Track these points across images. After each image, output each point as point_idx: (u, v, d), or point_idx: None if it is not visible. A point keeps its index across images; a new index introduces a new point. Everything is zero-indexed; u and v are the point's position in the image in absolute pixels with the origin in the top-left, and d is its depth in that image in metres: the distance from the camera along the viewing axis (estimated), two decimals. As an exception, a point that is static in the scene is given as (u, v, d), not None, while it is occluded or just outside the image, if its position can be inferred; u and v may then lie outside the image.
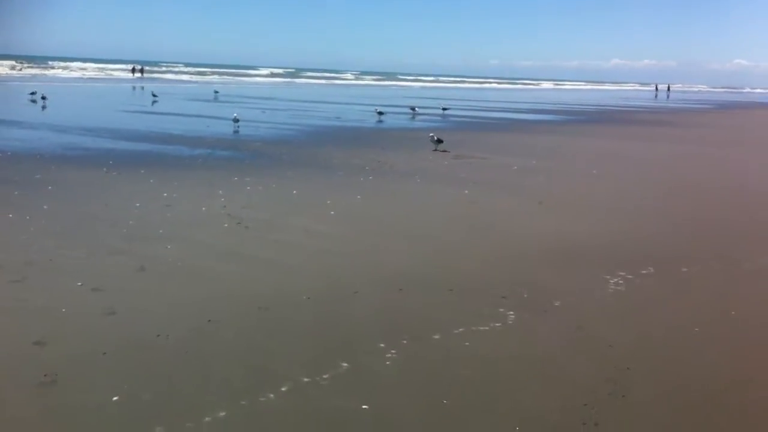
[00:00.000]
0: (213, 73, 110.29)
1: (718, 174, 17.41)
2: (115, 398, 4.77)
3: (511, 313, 6.66)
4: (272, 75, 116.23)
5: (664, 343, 6.14)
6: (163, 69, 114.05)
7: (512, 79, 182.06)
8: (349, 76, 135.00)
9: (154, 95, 41.68)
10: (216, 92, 48.68)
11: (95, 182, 12.99)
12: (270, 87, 75.08)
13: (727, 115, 50.77)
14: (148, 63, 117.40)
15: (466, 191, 13.25)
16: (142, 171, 14.28)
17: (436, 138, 20.01)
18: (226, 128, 24.49)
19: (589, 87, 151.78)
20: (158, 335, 5.85)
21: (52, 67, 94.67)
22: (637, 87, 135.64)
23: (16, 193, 11.66)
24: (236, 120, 24.86)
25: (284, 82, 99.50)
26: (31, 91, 35.20)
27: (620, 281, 7.82)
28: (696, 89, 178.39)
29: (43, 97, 33.60)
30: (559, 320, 6.56)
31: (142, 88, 56.62)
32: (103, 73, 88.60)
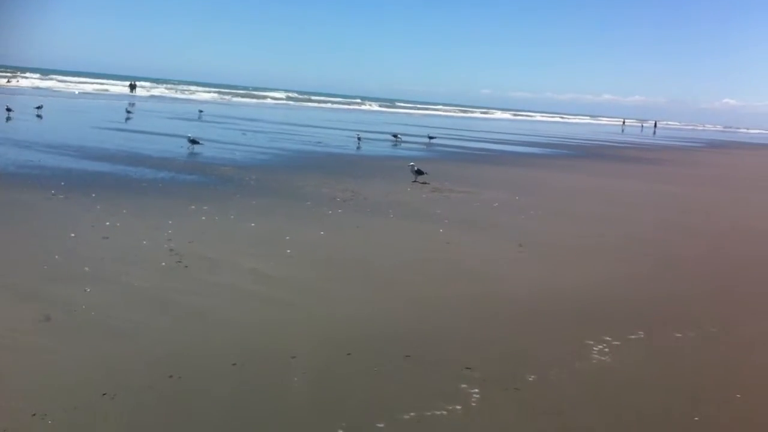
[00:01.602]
0: (216, 92, 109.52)
1: (714, 216, 16.39)
2: None
3: (476, 391, 5.54)
4: (276, 99, 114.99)
5: (657, 438, 5.05)
6: (169, 86, 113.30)
7: (504, 109, 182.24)
8: (339, 100, 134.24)
9: (128, 111, 40.49)
10: (200, 111, 47.65)
11: (36, 206, 11.83)
12: (265, 109, 74.08)
13: (717, 154, 50.13)
14: (168, 81, 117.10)
15: (441, 230, 12.17)
16: (93, 195, 13.14)
17: (416, 168, 18.97)
18: (200, 149, 23.38)
19: (578, 120, 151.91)
20: (33, 414, 4.70)
21: (50, 79, 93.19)
22: (626, 122, 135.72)
23: (-61, 217, 10.47)
24: (192, 141, 23.63)
25: (282, 104, 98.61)
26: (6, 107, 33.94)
27: (605, 348, 6.73)
28: (690, 127, 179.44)
29: (8, 109, 32.41)
30: (533, 402, 5.45)
31: (133, 104, 55.57)
32: (93, 88, 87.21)
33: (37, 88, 75.73)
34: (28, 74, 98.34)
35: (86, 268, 8.20)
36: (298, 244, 10.32)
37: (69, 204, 12.23)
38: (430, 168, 19.90)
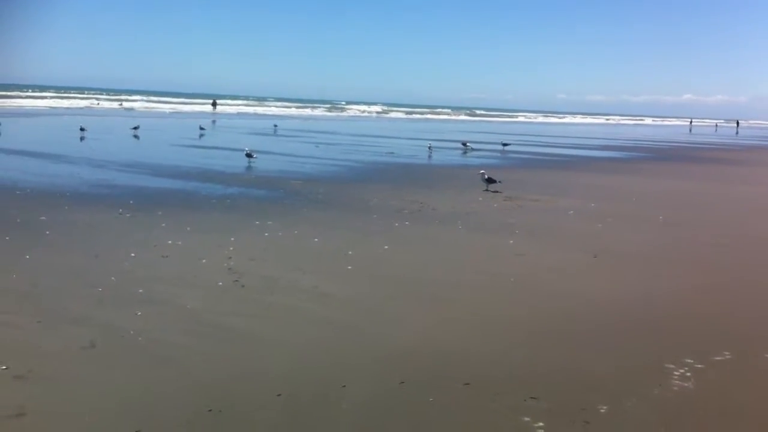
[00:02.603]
0: (294, 107, 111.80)
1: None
2: None
3: (541, 425, 4.99)
4: (353, 111, 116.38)
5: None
6: (249, 102, 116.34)
7: (580, 113, 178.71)
8: (424, 110, 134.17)
9: (201, 128, 41.08)
10: (275, 126, 48.13)
11: (101, 226, 11.83)
12: (339, 122, 74.26)
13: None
14: (247, 97, 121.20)
15: (512, 241, 11.60)
16: (160, 213, 13.10)
17: (486, 176, 18.37)
18: (273, 164, 23.38)
19: (658, 122, 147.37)
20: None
21: (149, 101, 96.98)
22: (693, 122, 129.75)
23: (6, 238, 10.52)
24: (249, 155, 23.57)
25: (357, 116, 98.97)
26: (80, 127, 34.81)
27: (688, 372, 6.07)
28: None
29: (82, 129, 33.30)
30: (605, 438, 4.87)
31: (214, 122, 56.82)
32: (175, 108, 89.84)
33: (131, 109, 78.18)
34: (135, 96, 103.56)
35: (140, 290, 8.01)
36: (361, 259, 9.95)
37: (134, 223, 12.19)
38: (503, 176, 19.26)
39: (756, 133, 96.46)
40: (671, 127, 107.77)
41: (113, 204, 13.94)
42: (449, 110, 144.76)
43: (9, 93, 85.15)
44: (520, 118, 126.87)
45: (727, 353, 6.56)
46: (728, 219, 14.86)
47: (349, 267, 9.50)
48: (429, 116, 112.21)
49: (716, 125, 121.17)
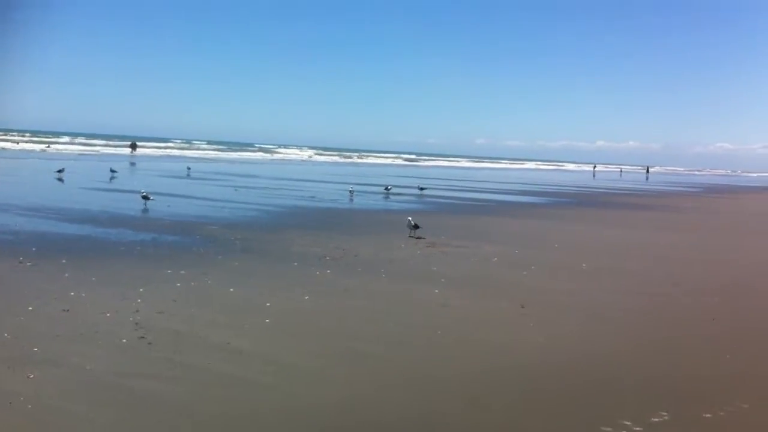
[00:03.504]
0: (215, 150, 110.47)
1: (730, 268, 15.50)
2: None
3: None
4: (290, 155, 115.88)
5: None
6: (171, 144, 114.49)
7: (498, 159, 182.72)
8: (351, 153, 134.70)
9: (112, 171, 39.64)
10: (188, 168, 46.95)
11: (-2, 276, 10.95)
12: (265, 165, 73.42)
13: (718, 200, 49.51)
14: (169, 139, 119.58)
15: (437, 290, 11.31)
16: (64, 261, 12.29)
17: (413, 223, 18.17)
18: (188, 208, 22.62)
19: (573, 167, 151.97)
20: None
21: (51, 141, 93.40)
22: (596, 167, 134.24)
23: None
24: (145, 197, 23.05)
25: (275, 159, 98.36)
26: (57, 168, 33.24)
27: (625, 435, 5.79)
28: (687, 172, 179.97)
29: None
30: None
31: (133, 164, 55.37)
32: (90, 149, 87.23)
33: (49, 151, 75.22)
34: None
35: (35, 348, 7.31)
36: (279, 311, 9.45)
37: (35, 272, 11.36)
38: (425, 220, 19.11)
39: (666, 179, 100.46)
40: (579, 173, 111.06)
41: (14, 252, 13.01)
42: (376, 153, 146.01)
43: None
44: (441, 162, 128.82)
45: (665, 413, 6.33)
46: (649, 267, 14.96)
47: (267, 320, 8.99)
48: (356, 159, 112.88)
49: (620, 170, 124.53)
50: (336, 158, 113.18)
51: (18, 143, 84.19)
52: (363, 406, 6.24)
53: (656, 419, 6.20)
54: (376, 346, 8.08)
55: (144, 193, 23.32)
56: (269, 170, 58.76)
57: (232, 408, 6.03)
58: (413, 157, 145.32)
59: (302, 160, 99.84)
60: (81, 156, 67.53)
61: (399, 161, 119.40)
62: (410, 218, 18.77)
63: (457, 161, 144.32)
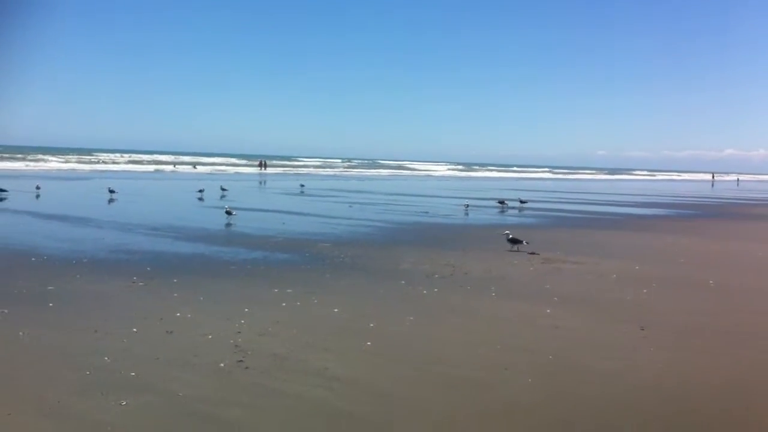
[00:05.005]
0: (338, 166, 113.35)
1: None
2: None
3: None
4: (382, 169, 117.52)
5: None
6: (295, 163, 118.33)
7: (620, 169, 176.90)
8: (442, 168, 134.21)
9: (222, 189, 39.80)
10: (302, 186, 47.65)
11: (111, 296, 11.14)
12: (374, 181, 73.97)
13: None
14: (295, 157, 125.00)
15: (549, 310, 10.62)
16: (175, 280, 12.42)
17: (510, 237, 17.52)
18: (304, 226, 22.72)
19: (700, 177, 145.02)
20: None
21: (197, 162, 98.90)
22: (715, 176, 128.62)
23: (5, 311, 9.84)
24: (228, 212, 24.14)
25: (389, 174, 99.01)
26: (110, 189, 34.51)
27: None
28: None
29: (111, 191, 33.17)
30: None
31: (264, 182, 57.20)
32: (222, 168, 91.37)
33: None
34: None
35: (132, 373, 7.22)
36: (381, 335, 9.06)
37: (146, 292, 11.49)
38: (541, 236, 18.33)
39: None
40: (698, 182, 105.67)
41: (129, 271, 13.28)
42: (480, 167, 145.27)
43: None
44: (559, 175, 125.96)
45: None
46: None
47: (369, 343, 8.62)
48: (469, 174, 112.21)
49: (737, 179, 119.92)
50: (449, 173, 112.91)
51: (174, 166, 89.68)
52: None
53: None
54: (483, 374, 7.54)
55: (227, 208, 24.50)
56: (378, 186, 58.83)
57: (324, 442, 5.66)
58: (530, 169, 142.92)
59: (416, 175, 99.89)
60: (213, 174, 70.15)
61: (512, 174, 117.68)
62: (507, 232, 18.10)
63: (577, 173, 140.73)
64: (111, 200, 31.31)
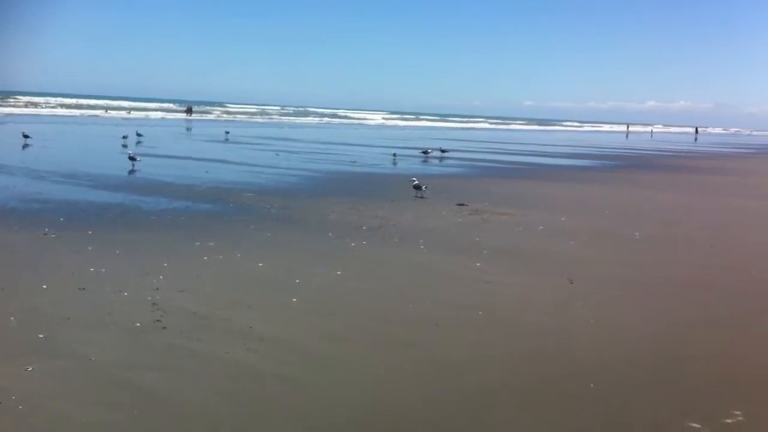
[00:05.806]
0: (274, 114, 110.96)
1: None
2: None
3: None
4: (304, 116, 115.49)
5: None
6: (226, 110, 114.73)
7: (546, 120, 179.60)
8: (377, 117, 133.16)
9: (138, 134, 38.54)
10: (227, 133, 46.19)
11: (19, 250, 10.49)
12: (307, 128, 72.76)
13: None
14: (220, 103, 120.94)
15: (479, 263, 10.50)
16: (90, 232, 11.78)
17: (415, 183, 17.85)
18: (228, 175, 22.05)
19: (621, 129, 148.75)
20: None
21: (90, 107, 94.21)
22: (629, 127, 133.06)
23: None
24: (132, 158, 23.49)
25: (314, 123, 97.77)
26: (24, 134, 32.45)
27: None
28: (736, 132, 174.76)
29: (26, 136, 31.31)
30: None
31: (190, 129, 55.36)
32: (144, 113, 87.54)
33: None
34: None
35: (41, 335, 6.73)
36: (309, 288, 8.77)
37: (58, 244, 10.86)
38: (468, 185, 18.29)
39: (716, 140, 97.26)
40: (621, 134, 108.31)
41: (41, 222, 12.53)
42: (409, 115, 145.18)
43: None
44: (484, 125, 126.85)
45: (738, 412, 5.48)
46: (715, 235, 13.90)
47: (295, 299, 8.30)
48: (398, 122, 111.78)
49: (651, 131, 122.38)
50: (398, 122, 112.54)
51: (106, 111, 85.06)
52: (385, 398, 5.53)
53: (729, 420, 5.35)
54: (412, 331, 7.34)
55: (131, 154, 23.82)
56: (305, 134, 57.95)
57: (244, 406, 5.37)
58: (461, 119, 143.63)
59: (344, 123, 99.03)
60: (126, 120, 67.72)
61: (444, 124, 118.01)
62: (414, 179, 18.33)
63: (505, 123, 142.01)
64: (25, 145, 29.64)
